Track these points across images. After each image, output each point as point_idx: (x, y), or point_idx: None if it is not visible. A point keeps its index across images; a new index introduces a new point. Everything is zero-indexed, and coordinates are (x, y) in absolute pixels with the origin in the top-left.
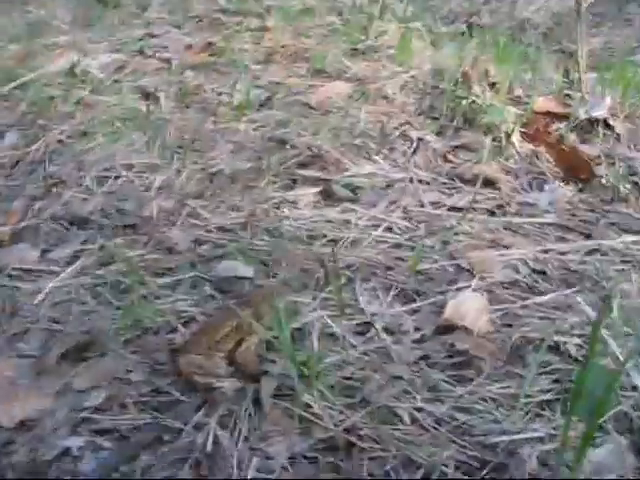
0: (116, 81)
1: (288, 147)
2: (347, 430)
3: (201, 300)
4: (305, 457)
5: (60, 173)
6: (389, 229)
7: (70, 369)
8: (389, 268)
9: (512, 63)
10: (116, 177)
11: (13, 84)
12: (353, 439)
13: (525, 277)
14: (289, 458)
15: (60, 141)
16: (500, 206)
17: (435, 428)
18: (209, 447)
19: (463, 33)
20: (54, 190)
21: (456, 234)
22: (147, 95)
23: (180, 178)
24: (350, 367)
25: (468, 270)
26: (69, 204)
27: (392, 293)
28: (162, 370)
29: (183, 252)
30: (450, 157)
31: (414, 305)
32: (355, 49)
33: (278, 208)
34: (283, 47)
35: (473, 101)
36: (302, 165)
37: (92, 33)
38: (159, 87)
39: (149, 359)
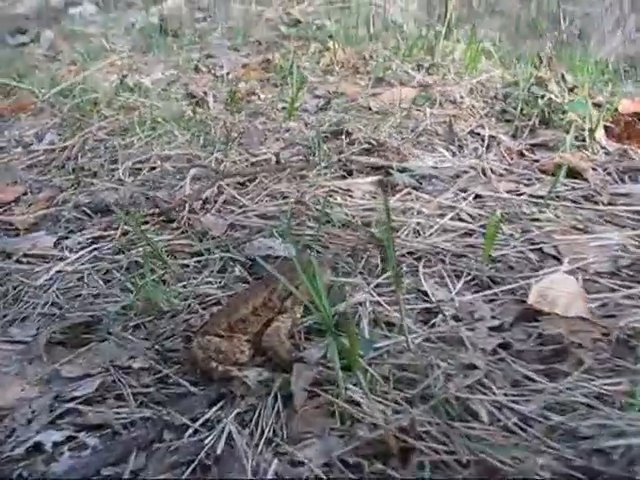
0: (165, 90)
1: (343, 138)
2: (403, 429)
3: (229, 283)
4: (345, 463)
5: (92, 165)
6: (458, 216)
7: (65, 355)
8: (460, 255)
9: (590, 73)
10: (151, 168)
11: (57, 89)
12: (411, 440)
13: (626, 265)
14: (324, 465)
15: (98, 139)
16: (589, 196)
17: (522, 429)
18: (220, 448)
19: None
20: (83, 181)
21: (537, 220)
22: (195, 100)
23: (220, 168)
24: (409, 354)
25: (554, 257)
26: (96, 194)
27: (463, 280)
28: (173, 358)
29: (215, 237)
30: (527, 154)
31: (489, 292)
32: (420, 65)
33: (330, 197)
34: (343, 63)
35: (550, 101)
36: (359, 154)
37: (150, 57)
38: (209, 93)
39: (159, 345)
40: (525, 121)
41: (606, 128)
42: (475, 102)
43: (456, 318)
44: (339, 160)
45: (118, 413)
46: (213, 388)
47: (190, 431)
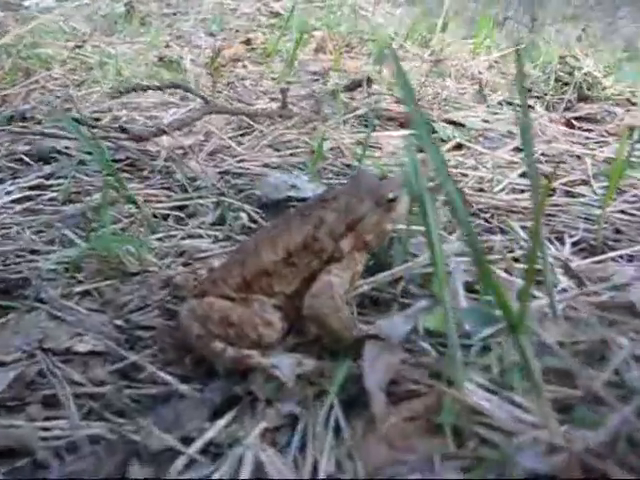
0: (132, 57)
1: (365, 87)
2: (594, 452)
3: (233, 233)
4: None
5: (35, 113)
6: (525, 175)
7: None
8: (549, 215)
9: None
10: (113, 118)
11: None
12: (616, 472)
13: None
14: None
15: (47, 91)
16: None
17: None
18: None
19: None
20: (23, 129)
21: (628, 178)
22: (170, 62)
23: (206, 116)
24: (557, 329)
25: None
26: (38, 142)
27: (569, 241)
28: (144, 338)
29: (206, 186)
30: (577, 124)
31: (603, 257)
32: (422, 48)
33: (353, 147)
34: (336, 42)
35: (587, 75)
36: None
37: (114, 38)
38: (185, 57)
39: (122, 319)
40: (557, 96)
41: None
42: (496, 79)
43: (583, 284)
44: (357, 113)
45: (46, 429)
46: (217, 386)
47: (182, 460)
